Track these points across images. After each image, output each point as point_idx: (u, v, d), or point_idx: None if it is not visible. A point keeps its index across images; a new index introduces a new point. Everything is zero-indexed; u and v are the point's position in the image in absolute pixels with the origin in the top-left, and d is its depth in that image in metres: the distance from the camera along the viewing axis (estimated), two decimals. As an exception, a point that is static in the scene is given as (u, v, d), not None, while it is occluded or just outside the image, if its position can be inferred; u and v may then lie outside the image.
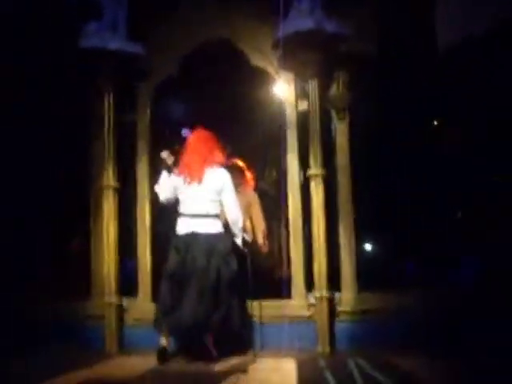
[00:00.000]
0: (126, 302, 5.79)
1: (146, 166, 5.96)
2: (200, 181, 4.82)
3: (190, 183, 4.86)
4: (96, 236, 5.91)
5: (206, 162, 4.89)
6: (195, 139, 4.96)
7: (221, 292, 4.72)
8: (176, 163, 4.94)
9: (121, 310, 5.73)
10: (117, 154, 5.80)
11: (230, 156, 5.61)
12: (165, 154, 4.96)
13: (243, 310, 5.03)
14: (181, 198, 4.95)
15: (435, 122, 6.33)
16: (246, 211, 5.64)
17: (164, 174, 4.96)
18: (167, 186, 4.95)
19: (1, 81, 5.90)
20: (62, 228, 6.22)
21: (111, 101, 5.81)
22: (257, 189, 6.09)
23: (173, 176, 4.91)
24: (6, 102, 5.98)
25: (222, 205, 4.92)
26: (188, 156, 4.90)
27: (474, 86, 5.41)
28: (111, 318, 5.64)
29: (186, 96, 6.58)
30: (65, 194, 6.12)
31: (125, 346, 5.67)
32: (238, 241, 4.99)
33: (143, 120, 6.04)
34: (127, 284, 5.85)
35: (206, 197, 4.86)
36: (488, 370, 4.26)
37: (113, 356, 5.42)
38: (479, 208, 5.80)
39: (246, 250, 5.14)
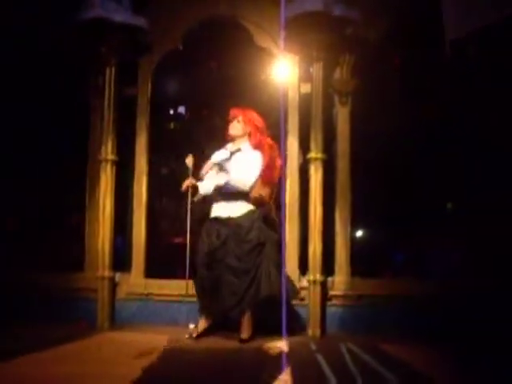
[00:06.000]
0: (117, 276, 5.77)
1: (144, 140, 5.92)
2: None
3: None
4: (91, 209, 5.89)
5: None
6: None
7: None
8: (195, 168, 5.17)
9: (113, 285, 5.72)
10: (116, 127, 5.74)
11: None
12: (188, 160, 5.16)
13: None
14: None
15: (434, 110, 6.29)
16: None
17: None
18: None
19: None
20: (59, 201, 6.16)
21: (113, 73, 5.73)
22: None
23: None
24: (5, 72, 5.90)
25: None
26: None
27: (479, 80, 5.40)
28: (104, 291, 5.61)
29: (187, 72, 6.51)
30: (62, 167, 6.05)
31: (116, 321, 5.67)
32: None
33: (144, 94, 5.98)
34: (116, 259, 5.81)
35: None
36: (477, 359, 4.31)
37: (105, 330, 5.45)
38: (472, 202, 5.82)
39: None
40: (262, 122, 5.21)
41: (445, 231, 5.87)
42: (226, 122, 5.30)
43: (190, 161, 5.15)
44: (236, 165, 5.05)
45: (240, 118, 5.16)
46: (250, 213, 5.02)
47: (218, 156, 5.22)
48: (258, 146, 5.13)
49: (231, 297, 4.84)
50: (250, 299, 4.84)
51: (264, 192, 5.10)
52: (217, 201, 5.10)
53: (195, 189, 5.13)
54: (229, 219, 4.99)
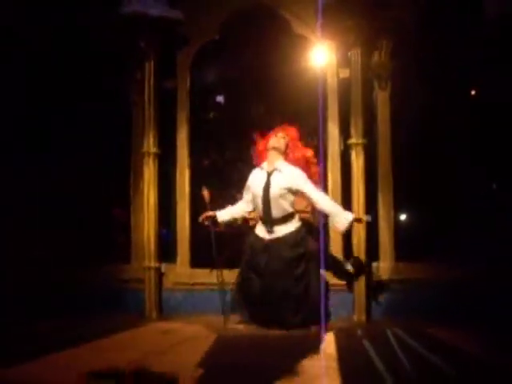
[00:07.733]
0: (163, 267, 5.86)
1: (185, 132, 5.99)
2: None
3: None
4: (136, 202, 5.98)
5: None
6: None
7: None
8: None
9: (160, 275, 5.81)
10: (157, 120, 5.82)
11: None
12: (205, 191, 5.28)
13: None
14: None
15: (473, 92, 6.19)
16: None
17: None
18: None
19: (43, 47, 5.95)
20: (104, 193, 6.25)
21: (152, 67, 5.83)
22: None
23: None
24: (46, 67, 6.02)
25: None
26: None
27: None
28: (151, 282, 5.72)
29: (225, 61, 6.53)
30: (106, 160, 6.14)
31: (163, 310, 5.77)
32: None
33: (183, 88, 6.04)
34: (161, 250, 5.90)
35: None
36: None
37: (153, 320, 5.54)
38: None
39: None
40: (296, 134, 5.06)
41: (488, 215, 5.81)
42: (253, 150, 5.20)
43: (206, 193, 5.25)
44: (276, 186, 4.86)
45: (280, 134, 4.98)
46: (295, 231, 4.85)
47: (255, 178, 5.03)
48: (294, 162, 4.97)
49: (287, 308, 4.69)
50: (305, 313, 4.70)
51: (303, 205, 5.06)
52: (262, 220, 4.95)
53: (214, 219, 5.12)
54: (275, 239, 4.87)
